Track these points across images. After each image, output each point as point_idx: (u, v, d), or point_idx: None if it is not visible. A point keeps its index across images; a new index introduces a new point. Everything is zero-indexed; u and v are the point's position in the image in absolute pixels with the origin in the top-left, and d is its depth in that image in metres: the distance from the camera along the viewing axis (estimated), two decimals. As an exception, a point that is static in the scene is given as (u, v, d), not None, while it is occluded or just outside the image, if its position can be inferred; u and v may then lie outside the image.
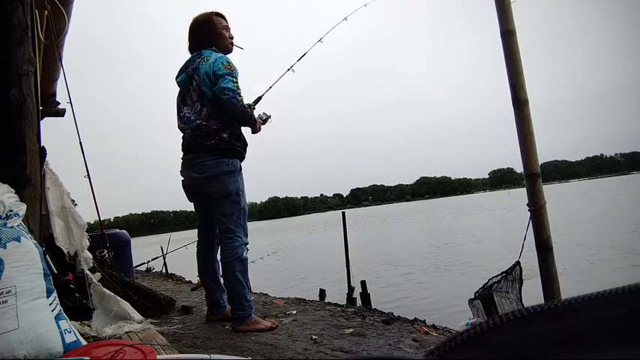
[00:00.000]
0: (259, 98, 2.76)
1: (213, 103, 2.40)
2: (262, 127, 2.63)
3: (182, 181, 2.59)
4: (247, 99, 2.67)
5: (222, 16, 2.60)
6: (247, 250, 2.47)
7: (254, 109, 2.72)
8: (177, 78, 2.57)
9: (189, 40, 2.59)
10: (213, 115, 2.40)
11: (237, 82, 2.40)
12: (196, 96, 2.44)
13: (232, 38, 2.63)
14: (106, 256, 3.20)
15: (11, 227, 1.52)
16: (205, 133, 2.38)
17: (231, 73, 2.39)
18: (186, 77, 2.48)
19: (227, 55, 2.53)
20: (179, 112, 2.55)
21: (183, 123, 2.48)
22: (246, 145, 2.57)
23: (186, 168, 2.49)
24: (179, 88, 2.58)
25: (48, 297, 1.54)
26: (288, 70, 2.96)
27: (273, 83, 2.87)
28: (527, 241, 2.23)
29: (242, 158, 2.55)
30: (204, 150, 2.39)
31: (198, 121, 2.40)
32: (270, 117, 2.67)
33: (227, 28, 2.60)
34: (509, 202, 32.42)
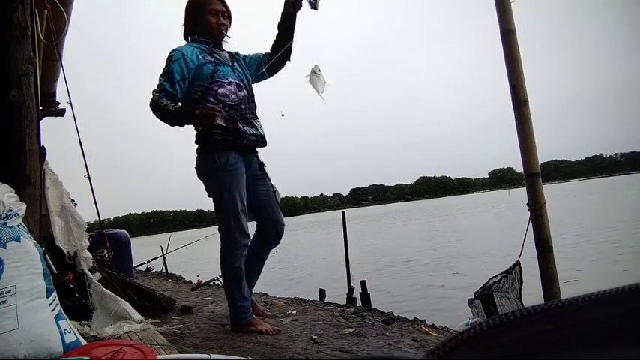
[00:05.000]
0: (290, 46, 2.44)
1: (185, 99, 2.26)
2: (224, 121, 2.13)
3: None
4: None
5: None
6: (239, 254, 2.28)
7: (289, 59, 2.49)
8: None
9: None
10: None
11: (162, 79, 2.16)
12: None
13: (223, 26, 2.34)
14: (106, 256, 3.20)
15: (11, 227, 1.52)
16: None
17: (164, 70, 2.19)
18: None
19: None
20: None
21: None
22: (239, 130, 2.22)
23: None
24: None
25: (48, 297, 1.54)
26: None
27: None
28: (527, 240, 2.23)
29: (235, 147, 2.23)
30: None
31: None
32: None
33: (217, 13, 2.31)
34: (509, 202, 32.42)
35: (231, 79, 2.32)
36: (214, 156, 2.22)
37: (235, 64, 2.46)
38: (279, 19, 2.43)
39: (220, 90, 2.26)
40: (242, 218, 2.28)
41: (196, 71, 2.23)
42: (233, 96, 2.29)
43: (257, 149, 2.46)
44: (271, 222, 2.50)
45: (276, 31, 2.47)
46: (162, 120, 2.13)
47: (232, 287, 2.32)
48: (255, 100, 2.49)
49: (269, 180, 2.52)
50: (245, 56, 2.58)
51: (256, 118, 2.41)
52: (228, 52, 2.49)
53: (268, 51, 2.55)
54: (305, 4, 2.32)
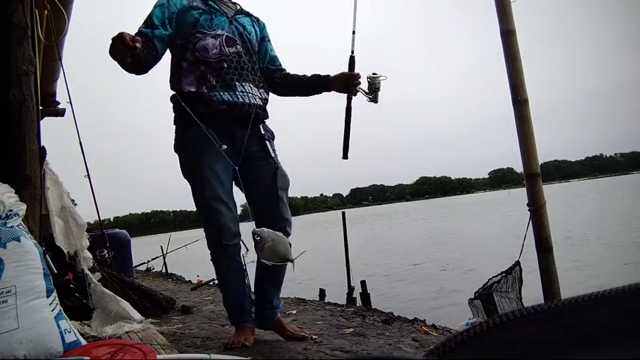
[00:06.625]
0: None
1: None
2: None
3: None
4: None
5: None
6: (222, 256, 1.90)
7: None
8: None
9: None
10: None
11: (141, 25, 1.83)
12: None
13: None
14: (106, 255, 3.20)
15: (11, 227, 1.52)
16: None
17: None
18: None
19: None
20: None
21: None
22: (201, 94, 1.80)
23: None
24: None
25: (48, 297, 1.54)
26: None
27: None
28: (527, 240, 2.23)
29: (198, 117, 1.75)
30: None
31: None
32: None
33: None
34: (509, 202, 32.41)
35: (220, 32, 1.88)
36: (178, 130, 1.90)
37: (241, 17, 2.01)
38: (317, 78, 2.05)
39: (200, 44, 1.83)
40: (220, 207, 1.82)
41: (178, 18, 1.85)
42: (215, 51, 1.84)
43: (253, 121, 1.89)
44: (265, 214, 1.94)
45: (305, 80, 2.08)
46: (117, 61, 1.63)
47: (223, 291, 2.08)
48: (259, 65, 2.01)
49: (272, 157, 1.98)
50: (265, 33, 2.11)
51: (247, 81, 1.90)
52: (238, 6, 2.05)
53: (282, 67, 2.16)
54: (361, 95, 1.98)
